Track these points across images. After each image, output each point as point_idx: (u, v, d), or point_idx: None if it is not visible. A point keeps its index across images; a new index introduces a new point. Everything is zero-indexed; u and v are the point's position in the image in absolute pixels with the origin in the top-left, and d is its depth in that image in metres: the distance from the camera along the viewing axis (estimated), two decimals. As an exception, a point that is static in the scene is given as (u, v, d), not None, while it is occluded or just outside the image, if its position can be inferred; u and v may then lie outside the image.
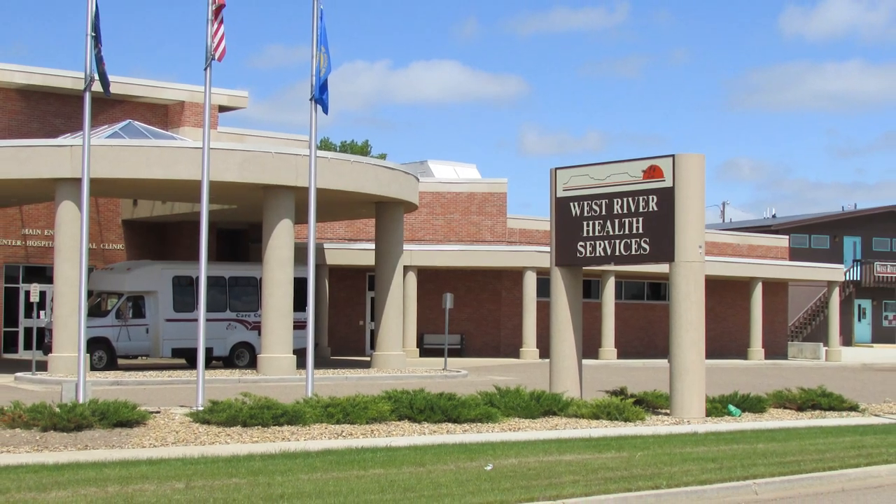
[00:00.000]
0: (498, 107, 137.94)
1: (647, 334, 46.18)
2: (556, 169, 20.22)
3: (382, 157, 65.16)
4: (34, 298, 27.72)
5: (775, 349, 49.45)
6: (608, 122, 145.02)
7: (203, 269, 18.30)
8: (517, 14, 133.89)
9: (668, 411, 18.46)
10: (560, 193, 19.89)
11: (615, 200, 18.97)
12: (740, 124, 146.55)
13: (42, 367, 26.40)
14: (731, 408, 18.72)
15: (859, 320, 62.31)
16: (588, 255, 19.55)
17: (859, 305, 62.10)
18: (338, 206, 32.62)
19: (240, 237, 41.26)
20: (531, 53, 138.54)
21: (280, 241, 27.98)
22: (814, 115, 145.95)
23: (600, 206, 19.20)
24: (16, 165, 27.34)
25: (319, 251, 34.56)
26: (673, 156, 18.41)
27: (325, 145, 67.90)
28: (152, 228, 39.63)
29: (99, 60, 17.57)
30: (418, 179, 34.68)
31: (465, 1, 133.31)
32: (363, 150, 73.94)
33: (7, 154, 27.59)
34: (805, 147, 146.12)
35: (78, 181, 19.76)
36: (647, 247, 18.63)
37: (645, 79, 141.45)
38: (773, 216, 71.58)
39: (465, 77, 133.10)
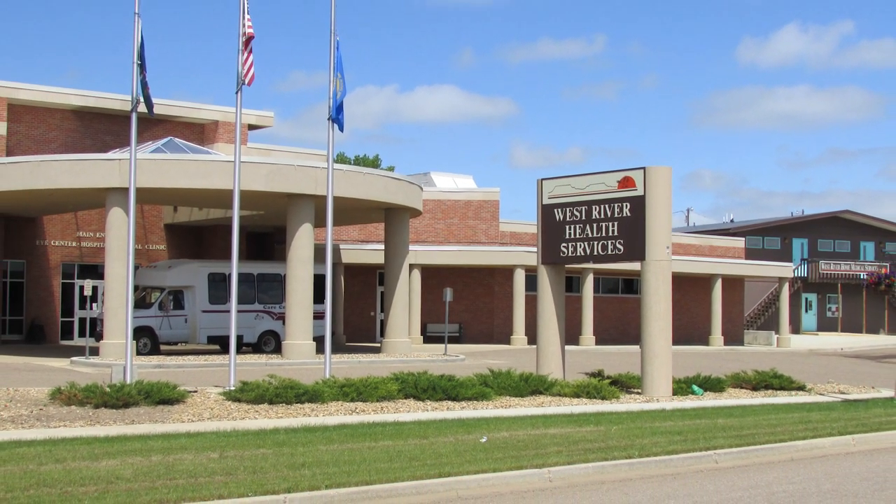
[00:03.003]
0: (491, 125, 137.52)
1: (621, 324, 46.01)
2: (542, 180, 20.16)
3: (391, 169, 64.92)
4: (87, 292, 27.62)
5: (733, 337, 49.25)
6: (588, 138, 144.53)
7: (234, 267, 18.24)
8: (508, 44, 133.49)
9: (639, 391, 18.41)
10: (546, 201, 19.83)
11: (594, 207, 18.90)
12: (702, 140, 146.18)
13: (94, 352, 26.33)
14: (695, 388, 18.67)
15: (806, 311, 62.05)
16: (570, 254, 19.49)
17: (806, 299, 61.86)
18: (352, 211, 32.47)
19: (266, 239, 41.11)
20: (520, 79, 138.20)
21: (301, 242, 27.88)
22: (767, 132, 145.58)
23: (581, 212, 19.13)
24: (72, 176, 27.25)
25: (336, 251, 34.47)
26: (644, 168, 18.35)
27: (341, 159, 67.63)
28: (190, 231, 39.51)
29: (144, 85, 17.51)
30: (422, 189, 34.51)
31: (462, 33, 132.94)
32: (374, 163, 73.63)
33: (65, 167, 27.51)
34: (759, 160, 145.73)
35: (126, 190, 19.70)
36: (621, 247, 18.57)
37: (619, 100, 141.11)
38: (731, 221, 71.31)
39: (462, 99, 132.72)
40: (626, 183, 18.42)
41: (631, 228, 18.27)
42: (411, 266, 35.04)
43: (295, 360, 26.51)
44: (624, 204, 18.39)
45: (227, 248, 18.99)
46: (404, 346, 31.72)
